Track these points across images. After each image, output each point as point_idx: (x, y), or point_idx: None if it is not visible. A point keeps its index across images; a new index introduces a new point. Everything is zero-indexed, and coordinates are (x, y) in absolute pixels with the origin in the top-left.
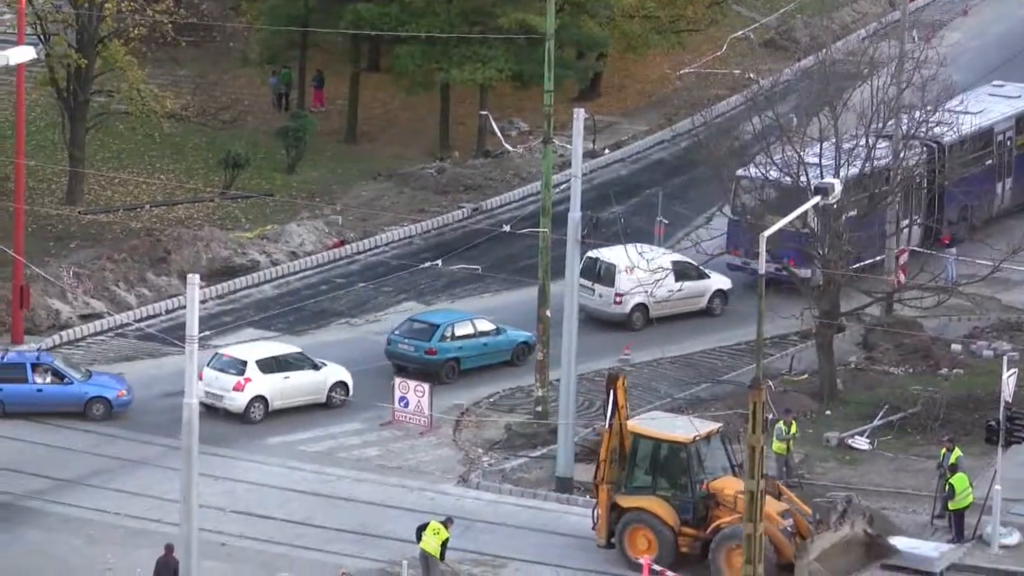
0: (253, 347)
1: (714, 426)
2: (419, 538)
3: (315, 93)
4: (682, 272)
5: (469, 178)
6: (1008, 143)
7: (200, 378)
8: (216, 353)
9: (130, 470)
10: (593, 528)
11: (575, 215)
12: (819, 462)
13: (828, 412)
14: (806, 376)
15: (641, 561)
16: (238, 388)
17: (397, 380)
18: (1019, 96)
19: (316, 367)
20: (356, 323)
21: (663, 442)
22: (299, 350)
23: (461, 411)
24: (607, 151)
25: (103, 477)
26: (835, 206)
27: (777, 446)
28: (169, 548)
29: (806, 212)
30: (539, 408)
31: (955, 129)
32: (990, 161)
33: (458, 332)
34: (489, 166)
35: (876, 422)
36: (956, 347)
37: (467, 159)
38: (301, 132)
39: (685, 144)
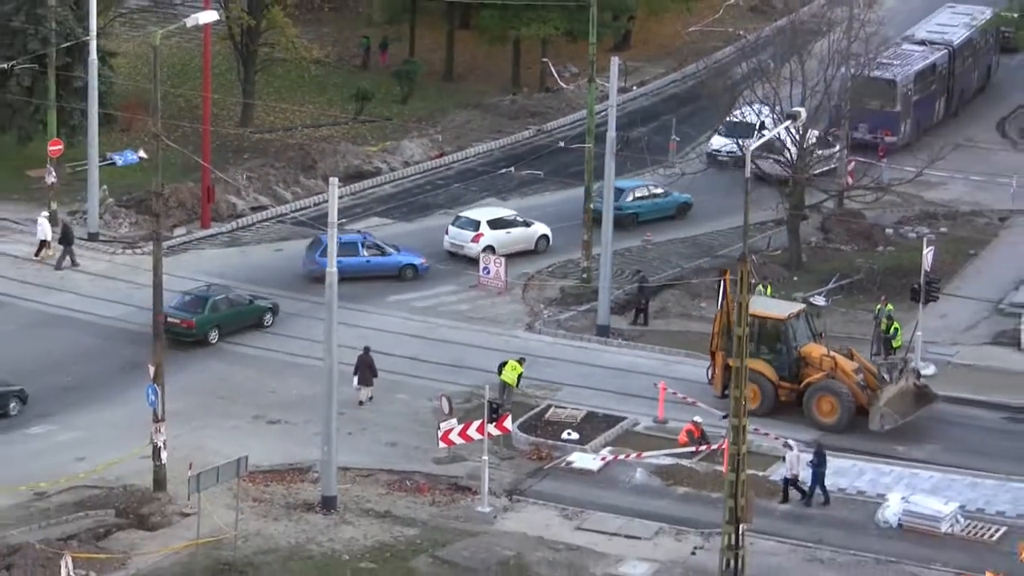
0: (483, 210)
1: (800, 306)
2: (500, 372)
3: (382, 54)
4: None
5: (534, 107)
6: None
7: (446, 233)
8: (458, 216)
9: (283, 320)
10: (709, 383)
11: (611, 134)
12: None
13: (795, 278)
14: (779, 252)
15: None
16: (475, 240)
17: (482, 254)
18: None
19: (528, 224)
20: (451, 212)
21: (766, 319)
22: (515, 212)
23: (528, 277)
24: (635, 88)
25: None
26: (802, 128)
27: None
28: (366, 348)
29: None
30: (584, 275)
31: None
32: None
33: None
34: (548, 99)
35: (830, 285)
36: (889, 231)
37: (532, 94)
38: (412, 73)
39: (691, 83)
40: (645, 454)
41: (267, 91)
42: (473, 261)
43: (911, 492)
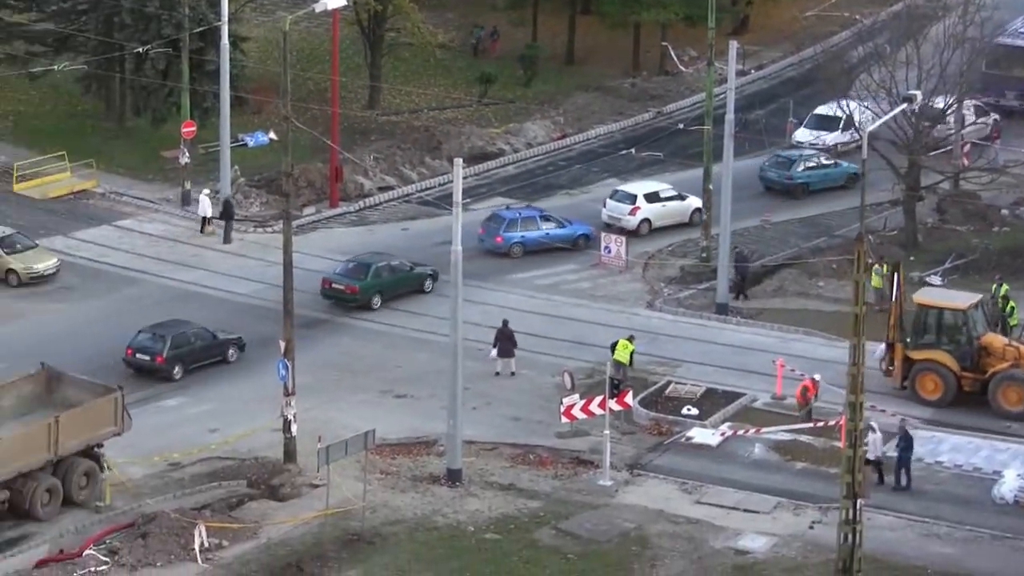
0: (640, 184)
1: (978, 297)
2: (613, 351)
3: (492, 43)
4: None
5: (653, 90)
6: None
7: (604, 206)
8: (616, 190)
9: (409, 297)
10: (886, 374)
11: (730, 116)
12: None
13: (912, 258)
14: (895, 232)
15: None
16: (632, 213)
17: (603, 233)
18: None
19: (683, 198)
20: (572, 193)
21: (946, 310)
22: (671, 186)
23: (648, 256)
24: (752, 71)
25: (396, 302)
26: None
27: (876, 281)
28: (505, 322)
29: None
30: (703, 254)
31: None
32: None
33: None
34: (668, 82)
35: (946, 265)
36: (1005, 211)
37: (652, 77)
38: (534, 57)
39: (808, 66)
40: (764, 430)
41: (393, 74)
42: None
43: None
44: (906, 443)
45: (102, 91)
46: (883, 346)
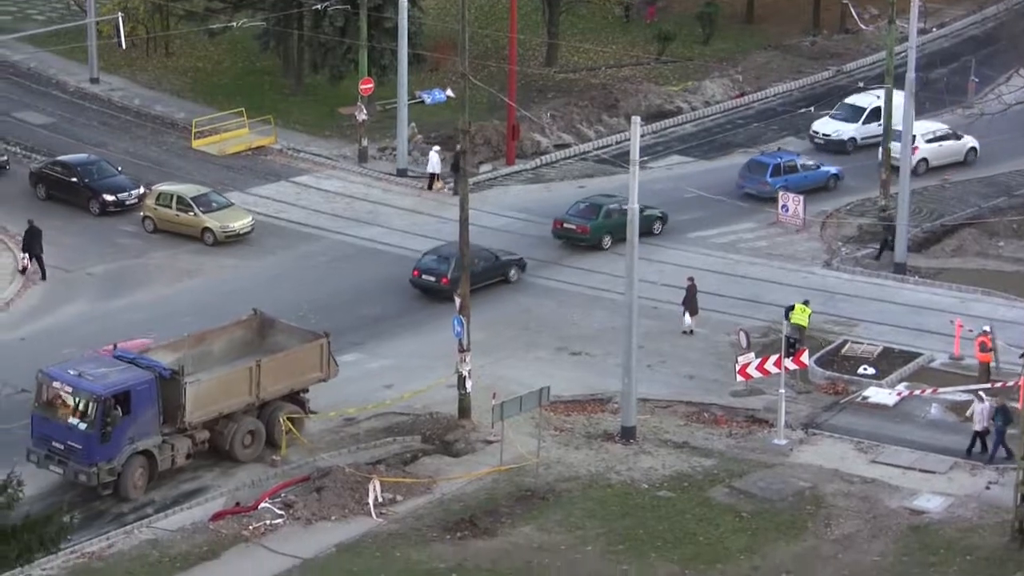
0: (918, 124)
1: None
2: (788, 316)
3: (649, 9)
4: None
5: (833, 49)
6: None
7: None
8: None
9: (581, 254)
10: None
11: (911, 76)
12: None
13: None
14: None
15: None
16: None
17: (780, 192)
18: None
19: (958, 137)
20: (751, 151)
21: None
22: (947, 126)
23: (826, 215)
24: (934, 29)
25: (567, 260)
26: None
27: None
28: (690, 279)
29: None
30: (883, 213)
31: None
32: None
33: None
34: (848, 40)
35: None
36: None
37: (832, 35)
38: (713, 15)
39: (991, 25)
40: (941, 390)
41: (571, 32)
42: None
43: None
44: (1005, 417)
45: (280, 48)
46: None
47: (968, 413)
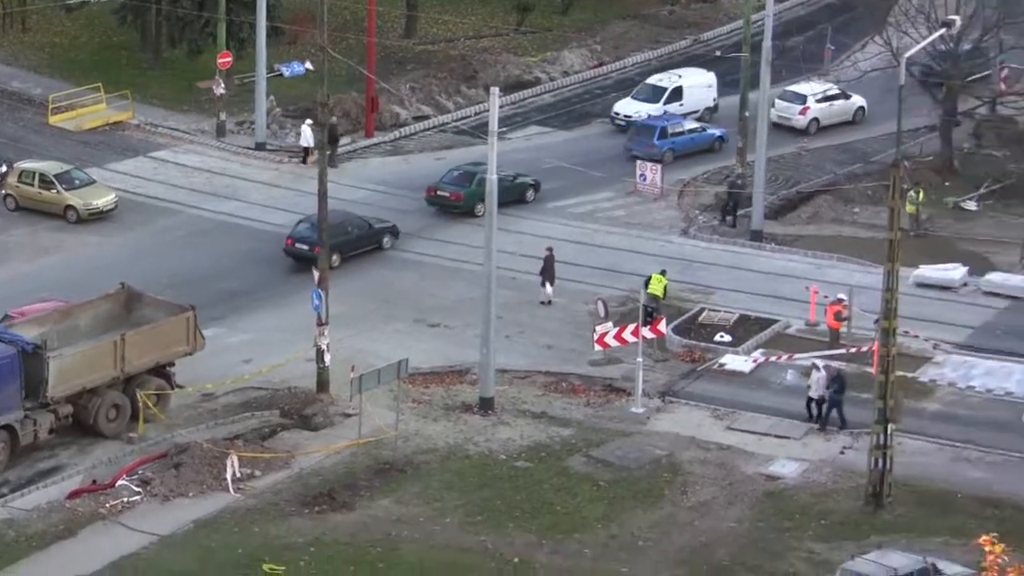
0: (808, 85)
1: None
2: (646, 286)
3: None
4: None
5: (691, 17)
6: None
7: (772, 106)
8: (784, 90)
9: (445, 224)
10: None
11: (767, 44)
12: (940, 219)
13: (947, 184)
14: (931, 157)
15: None
16: (802, 112)
17: (638, 161)
18: None
19: (847, 97)
20: (607, 121)
21: None
22: (835, 85)
23: (683, 183)
24: None
25: (427, 231)
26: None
27: (910, 207)
28: (549, 248)
29: None
30: (739, 181)
31: None
32: None
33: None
34: (706, 8)
35: (982, 190)
36: None
37: (690, 3)
38: None
39: None
40: (796, 356)
41: (430, 3)
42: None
43: None
44: (839, 385)
45: (138, 22)
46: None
47: (807, 382)
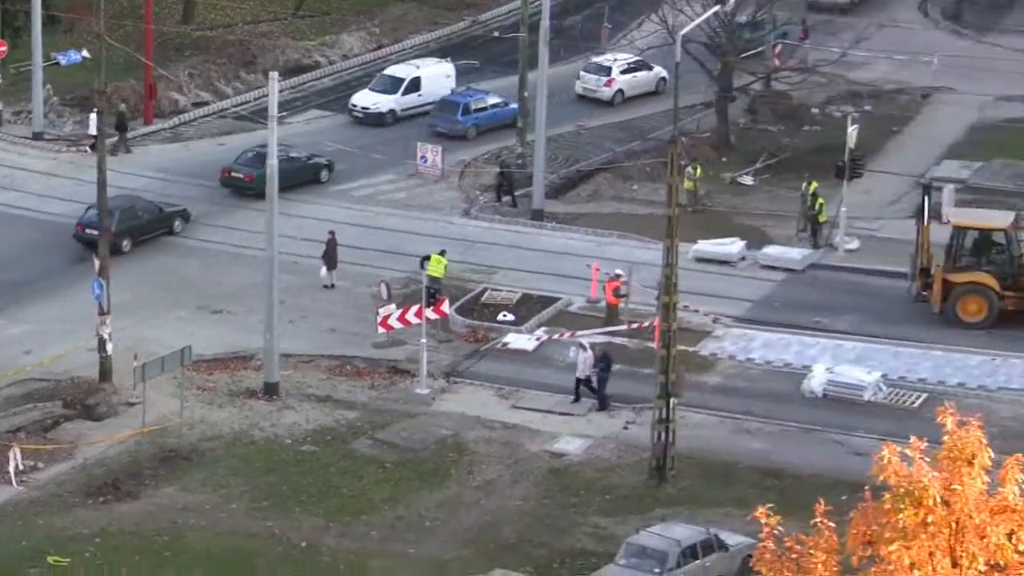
0: (612, 57)
1: (1014, 214)
2: (422, 266)
3: None
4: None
5: None
6: None
7: (578, 78)
8: (590, 62)
9: (226, 212)
10: (916, 298)
11: (545, 23)
12: (717, 194)
13: (724, 159)
14: (708, 134)
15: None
16: (607, 84)
17: (419, 143)
18: None
19: (650, 68)
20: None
21: (986, 229)
22: (640, 57)
23: (464, 164)
24: None
25: (210, 217)
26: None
27: (688, 183)
28: (331, 232)
29: None
30: (519, 161)
31: None
32: None
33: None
34: None
35: (758, 165)
36: (815, 111)
37: None
38: None
39: None
40: (579, 333)
41: None
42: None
43: (835, 363)
44: (605, 364)
45: None
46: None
47: (572, 360)
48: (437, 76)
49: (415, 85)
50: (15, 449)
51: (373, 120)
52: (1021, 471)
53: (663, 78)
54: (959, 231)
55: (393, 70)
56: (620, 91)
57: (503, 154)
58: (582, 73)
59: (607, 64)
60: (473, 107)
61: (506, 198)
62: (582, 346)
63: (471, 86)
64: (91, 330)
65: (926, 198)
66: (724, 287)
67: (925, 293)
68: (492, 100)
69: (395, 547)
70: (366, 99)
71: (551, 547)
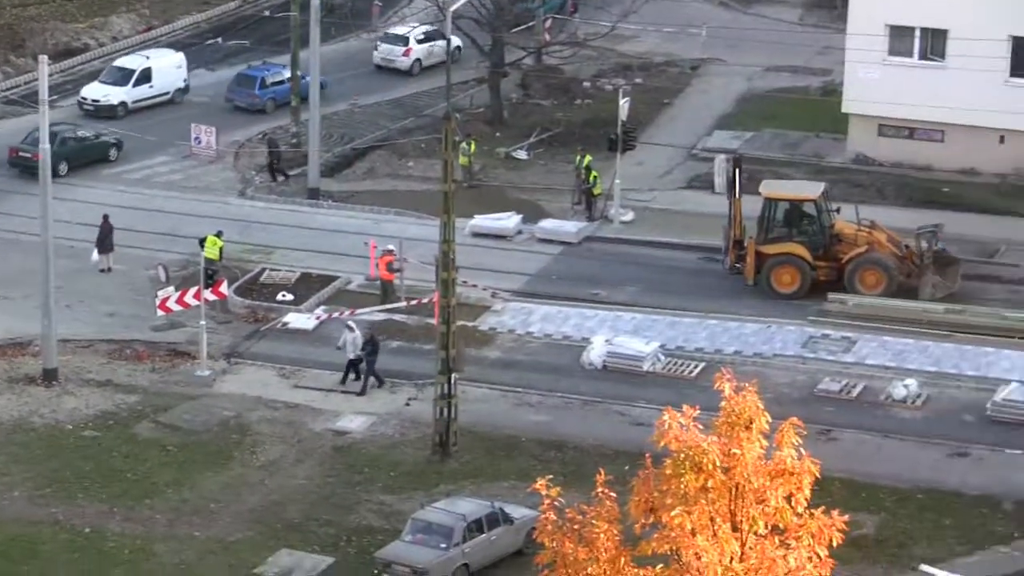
0: (408, 27)
1: (823, 185)
2: (202, 246)
3: None
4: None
5: None
6: None
7: (376, 49)
8: (386, 32)
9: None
10: (729, 270)
11: (316, 2)
12: (492, 170)
13: (498, 134)
14: (481, 109)
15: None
16: (405, 54)
17: (192, 124)
18: None
19: (445, 38)
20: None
21: (797, 200)
22: (434, 27)
23: (239, 145)
24: None
25: None
26: None
27: (463, 160)
28: (105, 216)
29: None
30: (294, 140)
31: None
32: None
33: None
34: None
35: (531, 139)
36: (586, 84)
37: None
38: None
39: None
40: (358, 311)
41: None
42: None
43: (614, 334)
44: (372, 347)
45: None
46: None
47: (340, 343)
48: (168, 67)
49: (146, 76)
50: None
51: (105, 113)
52: (797, 435)
53: (458, 47)
54: (770, 203)
55: (123, 61)
56: (418, 60)
57: (273, 132)
58: (380, 44)
59: (404, 34)
60: (270, 81)
61: (280, 177)
62: (349, 327)
63: (267, 60)
64: None
65: (737, 171)
66: (501, 262)
67: (739, 265)
68: (288, 74)
69: (181, 530)
70: (96, 91)
71: (337, 525)
